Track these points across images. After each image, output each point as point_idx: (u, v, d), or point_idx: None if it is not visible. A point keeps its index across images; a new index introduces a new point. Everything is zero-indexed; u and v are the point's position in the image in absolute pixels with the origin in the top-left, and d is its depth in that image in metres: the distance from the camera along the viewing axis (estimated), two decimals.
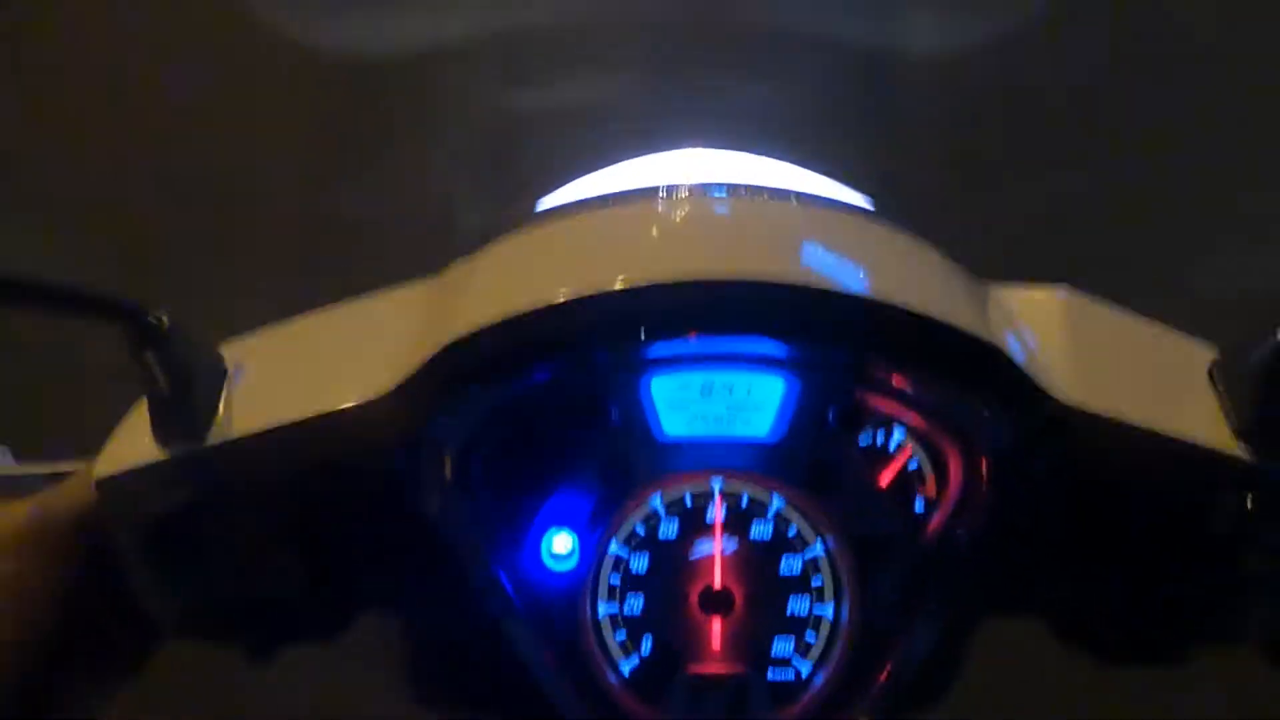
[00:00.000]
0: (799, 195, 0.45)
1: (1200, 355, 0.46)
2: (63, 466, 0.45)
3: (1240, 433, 0.43)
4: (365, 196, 1.63)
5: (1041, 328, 0.45)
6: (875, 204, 0.47)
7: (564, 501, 0.44)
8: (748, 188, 0.45)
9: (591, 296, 0.40)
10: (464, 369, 0.41)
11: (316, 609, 0.47)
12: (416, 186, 1.65)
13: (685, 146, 0.55)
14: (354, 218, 1.61)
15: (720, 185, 0.45)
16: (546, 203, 0.50)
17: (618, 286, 0.40)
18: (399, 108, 1.78)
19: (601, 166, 0.54)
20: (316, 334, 0.46)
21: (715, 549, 0.44)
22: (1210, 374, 0.45)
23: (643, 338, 0.41)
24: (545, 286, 0.41)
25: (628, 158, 0.53)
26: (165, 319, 0.40)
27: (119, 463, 0.42)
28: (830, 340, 0.41)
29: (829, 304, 0.40)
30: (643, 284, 0.40)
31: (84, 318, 0.39)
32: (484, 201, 1.55)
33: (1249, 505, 0.43)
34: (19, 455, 0.50)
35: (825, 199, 0.46)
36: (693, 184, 0.45)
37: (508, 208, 0.49)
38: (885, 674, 0.44)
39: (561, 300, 0.40)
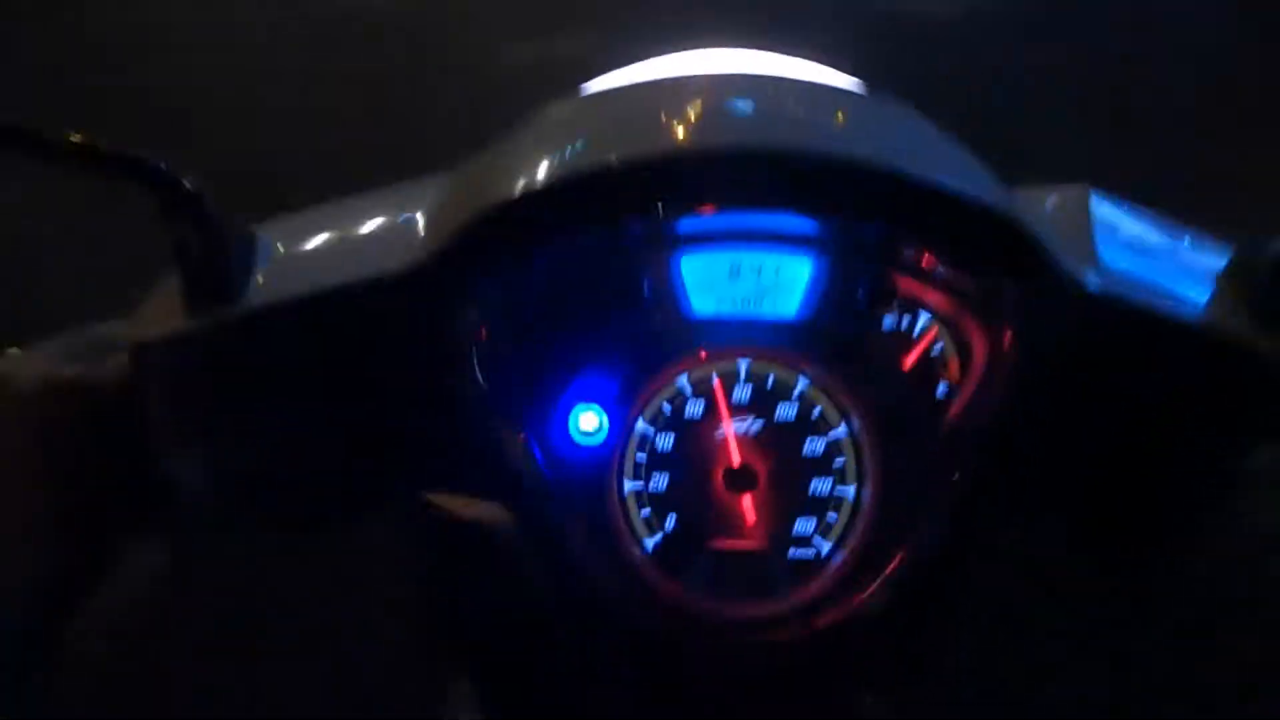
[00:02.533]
0: (821, 80, 0.46)
1: (1214, 251, 0.47)
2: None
3: (1253, 321, 0.44)
4: None
5: (1065, 220, 0.46)
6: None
7: (593, 379, 0.44)
8: (782, 77, 0.45)
9: (623, 164, 0.40)
10: (503, 233, 0.41)
11: (345, 487, 0.47)
12: None
13: (713, 45, 0.56)
14: None
15: (753, 73, 0.46)
16: (584, 89, 0.50)
17: (649, 155, 0.40)
18: None
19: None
20: (352, 212, 0.46)
21: (733, 429, 0.45)
22: (1227, 268, 0.46)
23: (668, 208, 0.41)
24: (581, 155, 0.41)
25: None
26: (196, 183, 0.40)
27: (152, 329, 0.43)
28: (860, 217, 0.42)
29: (859, 179, 0.41)
30: (673, 153, 0.40)
31: (118, 178, 0.39)
32: None
33: (1265, 396, 0.43)
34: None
35: (855, 89, 0.46)
36: (725, 71, 0.45)
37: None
38: (902, 557, 0.45)
39: (596, 167, 0.40)
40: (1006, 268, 0.42)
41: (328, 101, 2.04)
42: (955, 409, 0.45)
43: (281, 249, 0.44)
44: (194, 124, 1.88)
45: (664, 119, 0.41)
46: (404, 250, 0.42)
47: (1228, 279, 0.46)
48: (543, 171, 0.40)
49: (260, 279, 0.43)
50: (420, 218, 0.44)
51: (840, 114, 0.43)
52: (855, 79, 0.52)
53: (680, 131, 0.41)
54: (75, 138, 0.39)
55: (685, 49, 0.57)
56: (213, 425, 0.44)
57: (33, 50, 2.18)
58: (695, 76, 0.45)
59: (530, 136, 0.44)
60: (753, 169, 0.40)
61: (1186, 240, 0.48)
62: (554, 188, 0.40)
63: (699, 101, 0.42)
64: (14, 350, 0.45)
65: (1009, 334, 0.43)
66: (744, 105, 0.43)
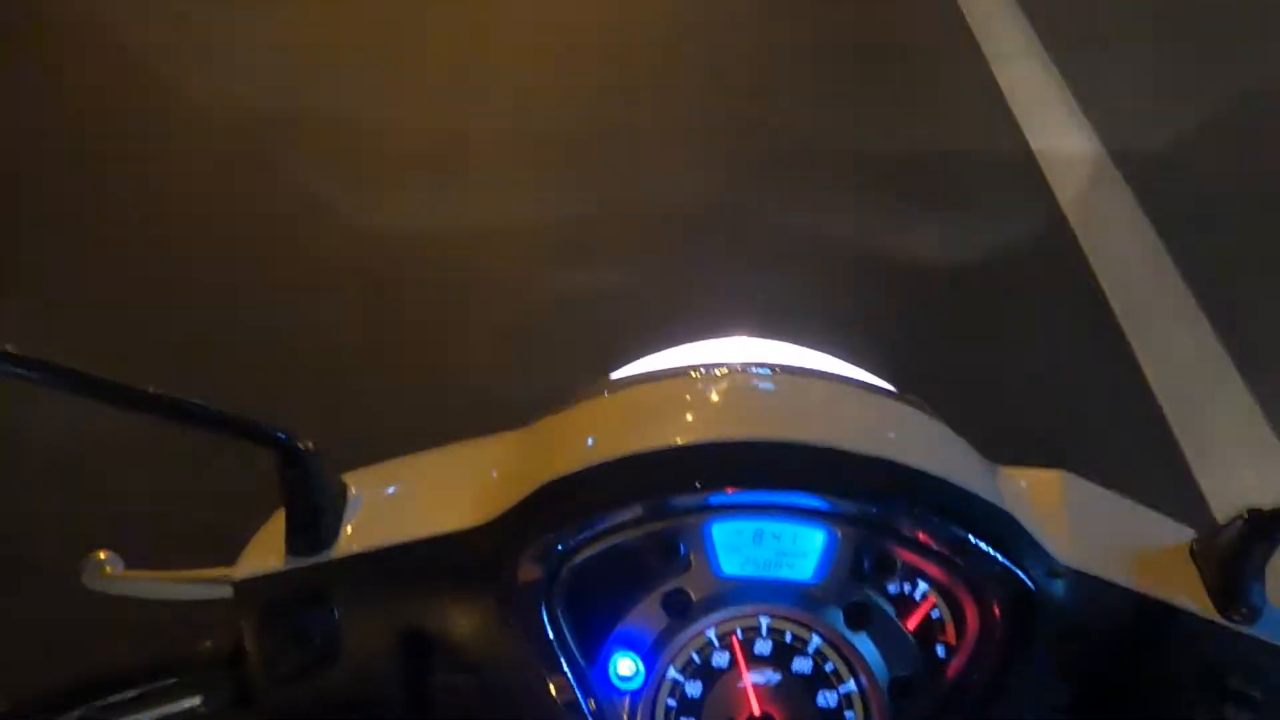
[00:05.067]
0: (835, 375, 0.54)
1: (1180, 533, 0.54)
2: (202, 573, 0.52)
3: (1216, 601, 0.50)
4: None
5: (1043, 502, 0.53)
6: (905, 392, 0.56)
7: (632, 629, 0.50)
8: (798, 368, 0.54)
9: (666, 450, 0.49)
10: (557, 506, 0.49)
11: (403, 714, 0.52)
12: None
13: (737, 334, 0.65)
14: None
15: (773, 365, 0.54)
16: (620, 373, 0.59)
17: (686, 443, 0.49)
18: None
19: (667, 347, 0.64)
20: (425, 468, 0.54)
21: (753, 680, 0.50)
22: (1191, 550, 0.53)
23: (703, 487, 0.49)
24: (629, 440, 0.49)
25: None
26: (311, 445, 0.48)
27: (255, 568, 0.49)
28: (865, 499, 0.49)
29: (865, 468, 0.49)
30: (708, 442, 0.49)
31: (241, 439, 0.47)
32: None
33: (1224, 663, 0.49)
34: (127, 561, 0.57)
35: (861, 381, 0.55)
36: (750, 362, 0.54)
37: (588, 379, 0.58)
38: None
39: (643, 451, 0.48)
40: (991, 546, 0.49)
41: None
42: (953, 668, 0.50)
43: (368, 501, 0.52)
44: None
45: (703, 411, 0.50)
46: (472, 509, 0.50)
47: (1189, 559, 0.52)
48: (598, 452, 0.48)
49: (349, 529, 0.50)
50: (489, 477, 0.51)
51: (850, 409, 0.52)
52: (866, 371, 0.62)
53: (716, 423, 0.49)
54: (206, 403, 0.47)
55: (716, 336, 0.66)
56: (293, 647, 0.50)
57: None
58: (730, 373, 0.53)
59: (587, 417, 0.52)
60: (774, 457, 0.48)
61: (1153, 521, 0.55)
62: (607, 468, 0.48)
63: (731, 396, 0.51)
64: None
65: (996, 604, 0.49)
66: (768, 400, 0.51)
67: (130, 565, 0.57)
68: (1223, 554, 0.51)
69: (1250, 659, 0.49)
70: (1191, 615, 0.50)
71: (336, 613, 0.49)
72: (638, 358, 0.63)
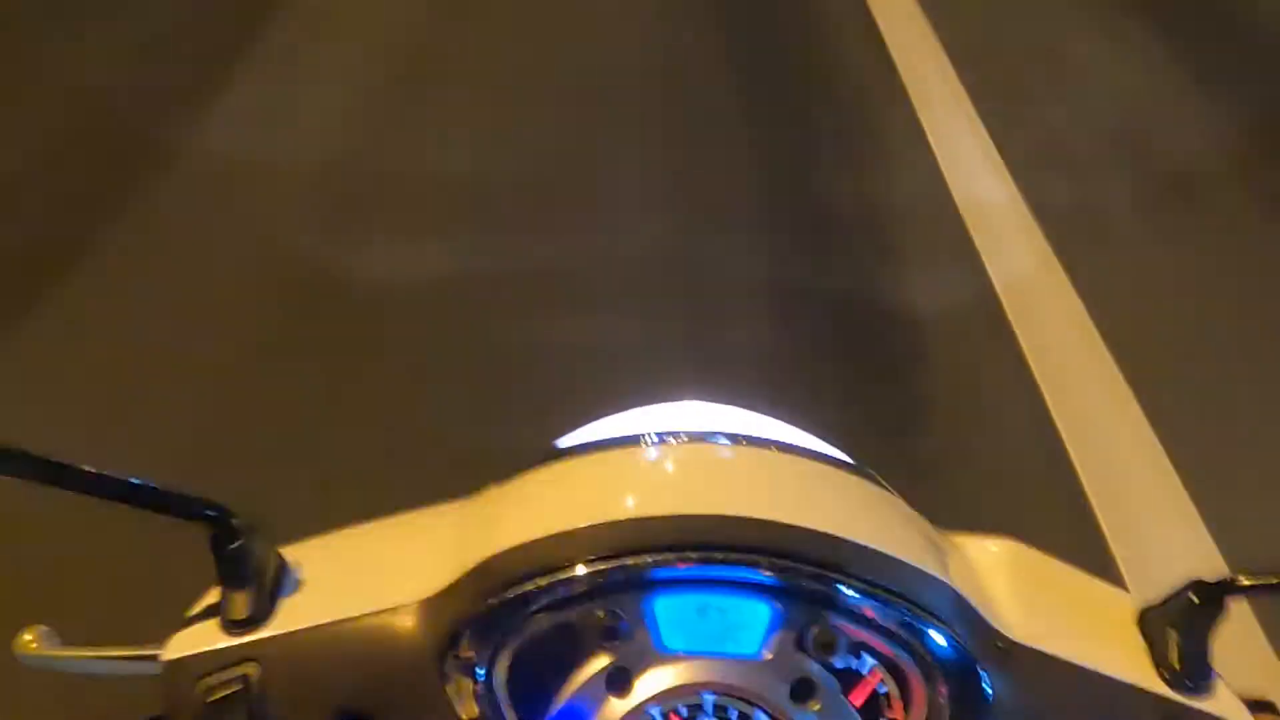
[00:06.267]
0: (783, 445, 0.54)
1: (1124, 601, 0.54)
2: (132, 651, 0.50)
3: (1162, 672, 0.50)
4: None
5: (991, 575, 0.53)
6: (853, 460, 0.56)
7: (573, 705, 0.49)
8: (747, 438, 0.53)
9: (608, 525, 0.48)
10: (496, 581, 0.48)
11: None
12: None
13: (685, 399, 0.65)
14: None
15: (721, 434, 0.54)
16: (564, 441, 0.58)
17: (629, 517, 0.48)
18: None
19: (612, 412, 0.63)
20: (363, 542, 0.53)
21: None
22: (1138, 621, 0.53)
23: (646, 562, 0.48)
24: (568, 515, 0.49)
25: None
26: (244, 521, 0.47)
27: (186, 647, 0.48)
28: (808, 575, 0.49)
29: (809, 541, 0.48)
30: (651, 516, 0.48)
31: (175, 516, 0.46)
32: None
33: None
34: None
35: (807, 449, 0.54)
36: (697, 432, 0.54)
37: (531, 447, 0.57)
38: None
39: (585, 525, 0.48)
40: (934, 619, 0.48)
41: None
42: None
43: (305, 575, 0.51)
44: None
45: (647, 483, 0.49)
46: (411, 585, 0.49)
47: (1136, 631, 0.52)
48: (539, 526, 0.47)
49: (285, 605, 0.49)
50: (429, 552, 0.50)
51: (795, 481, 0.51)
52: (812, 437, 0.61)
53: (660, 497, 0.49)
54: (137, 479, 0.46)
55: (665, 400, 0.66)
56: None
57: None
58: (675, 445, 0.53)
59: (530, 489, 0.51)
60: (719, 531, 0.48)
61: (1097, 590, 0.55)
62: (548, 542, 0.47)
63: (677, 468, 0.50)
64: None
65: (942, 680, 0.48)
66: (714, 473, 0.51)
67: (69, 640, 0.56)
68: (1169, 625, 0.51)
69: None
70: (1140, 690, 0.49)
71: (270, 692, 0.48)
72: (585, 423, 0.63)
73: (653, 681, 0.49)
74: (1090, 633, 0.52)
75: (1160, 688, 0.50)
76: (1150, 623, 0.52)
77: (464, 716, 0.48)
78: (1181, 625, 0.51)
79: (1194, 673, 0.50)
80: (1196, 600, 0.50)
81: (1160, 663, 0.51)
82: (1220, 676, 0.51)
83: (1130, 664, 0.50)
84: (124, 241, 2.50)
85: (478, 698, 0.48)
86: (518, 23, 3.53)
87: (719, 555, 0.48)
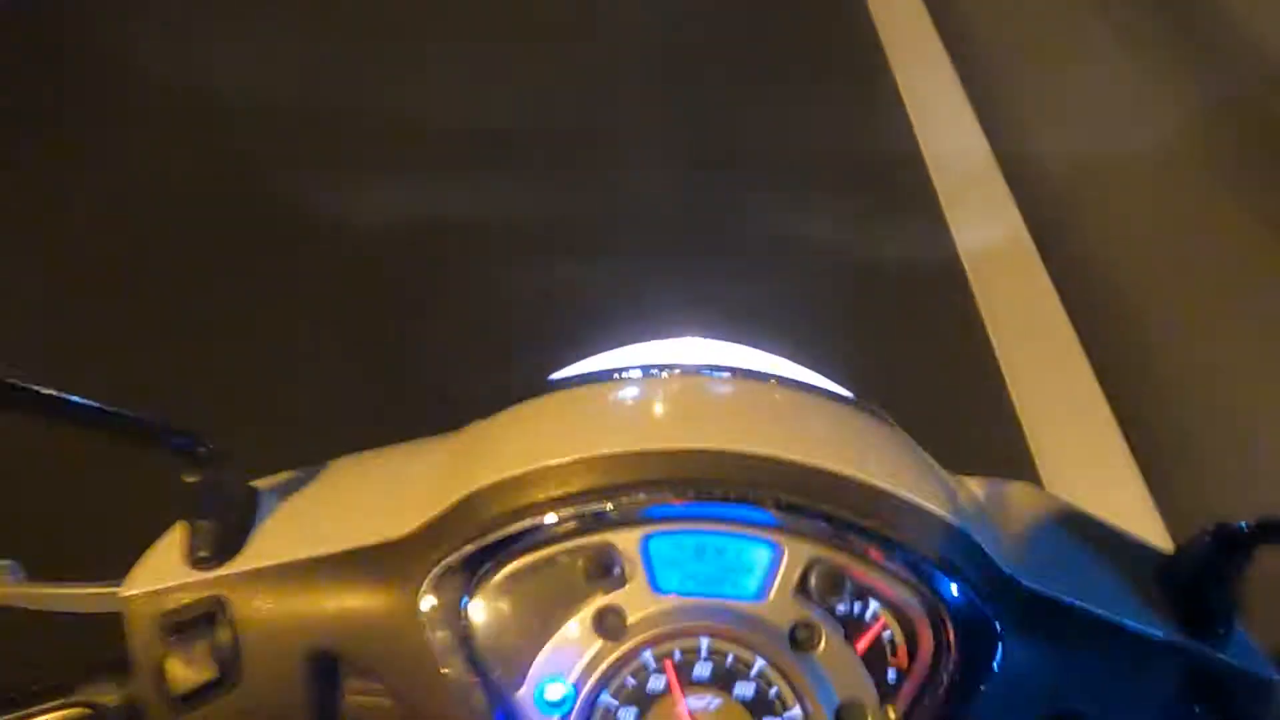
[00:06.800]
0: (785, 380, 0.51)
1: (1146, 552, 0.51)
2: (92, 588, 0.48)
3: (1185, 623, 0.47)
4: None
5: (1005, 518, 0.50)
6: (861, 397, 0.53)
7: (560, 650, 0.46)
8: (749, 372, 0.50)
9: (602, 457, 0.45)
10: (480, 517, 0.45)
11: None
12: None
13: (687, 335, 0.62)
14: None
15: (722, 369, 0.51)
16: (560, 374, 0.55)
17: (624, 450, 0.45)
18: None
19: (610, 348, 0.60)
20: (342, 476, 0.50)
21: (690, 705, 0.46)
22: (1159, 570, 0.50)
23: (641, 498, 0.45)
24: (557, 447, 0.45)
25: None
26: (214, 447, 0.44)
27: (149, 582, 0.45)
28: (814, 514, 0.46)
29: (813, 479, 0.45)
30: (648, 450, 0.45)
31: (138, 443, 0.43)
32: None
33: (1193, 689, 0.46)
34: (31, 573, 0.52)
35: (812, 385, 0.51)
36: (691, 364, 0.51)
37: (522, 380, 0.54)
38: None
39: (576, 459, 0.45)
40: (946, 565, 0.45)
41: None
42: (905, 694, 0.47)
43: (277, 510, 0.48)
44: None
45: (644, 416, 0.46)
46: (390, 521, 0.46)
47: (1156, 579, 0.49)
48: (528, 459, 0.44)
49: (255, 540, 0.46)
50: (409, 487, 0.48)
51: (800, 417, 0.48)
52: (816, 373, 0.58)
53: (658, 430, 0.45)
54: (95, 402, 0.43)
55: (666, 335, 0.63)
56: (200, 679, 0.46)
57: None
58: (673, 377, 0.49)
59: (518, 421, 0.48)
60: (718, 468, 0.44)
61: (1118, 538, 0.52)
62: (536, 475, 0.44)
63: (675, 401, 0.47)
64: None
65: (951, 627, 0.46)
66: (714, 407, 0.48)
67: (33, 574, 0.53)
68: (1192, 574, 0.48)
69: (1221, 684, 0.46)
70: (1159, 640, 0.47)
71: (237, 631, 0.45)
72: (580, 358, 0.60)
73: (645, 625, 0.47)
74: (1109, 580, 0.49)
75: (1183, 639, 0.47)
76: (1174, 572, 0.49)
77: (441, 662, 0.45)
78: (1206, 574, 0.48)
79: (1219, 624, 0.47)
80: (1219, 546, 0.47)
81: (1184, 614, 0.48)
82: (1246, 628, 0.48)
83: (1151, 614, 0.48)
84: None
85: (456, 642, 0.45)
86: None
87: (718, 492, 0.45)
